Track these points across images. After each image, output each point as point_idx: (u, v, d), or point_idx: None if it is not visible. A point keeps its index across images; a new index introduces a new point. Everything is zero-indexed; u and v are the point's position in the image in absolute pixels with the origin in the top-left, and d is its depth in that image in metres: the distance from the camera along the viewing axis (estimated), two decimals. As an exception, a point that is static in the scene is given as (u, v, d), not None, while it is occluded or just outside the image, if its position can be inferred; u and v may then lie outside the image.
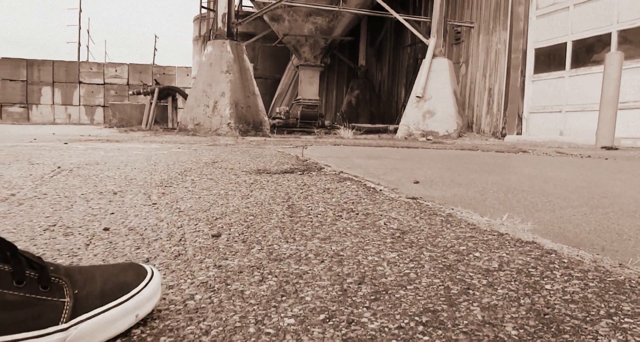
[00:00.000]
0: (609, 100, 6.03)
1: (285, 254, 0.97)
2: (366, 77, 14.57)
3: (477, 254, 0.98)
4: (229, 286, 0.78)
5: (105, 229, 1.16)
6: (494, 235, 1.14)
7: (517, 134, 9.19)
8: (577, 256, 1.01)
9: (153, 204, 1.48)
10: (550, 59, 9.03)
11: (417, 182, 2.04)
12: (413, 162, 3.19)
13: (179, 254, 0.96)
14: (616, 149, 5.94)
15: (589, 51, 8.36)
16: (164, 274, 0.84)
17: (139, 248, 1.00)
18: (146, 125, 12.81)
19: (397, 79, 13.85)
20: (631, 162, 3.90)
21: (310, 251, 0.99)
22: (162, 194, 1.65)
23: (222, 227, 1.19)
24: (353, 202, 1.53)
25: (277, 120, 11.52)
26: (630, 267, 0.94)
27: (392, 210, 1.42)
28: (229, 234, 1.12)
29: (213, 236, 1.10)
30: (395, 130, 9.69)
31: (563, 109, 8.60)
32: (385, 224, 1.24)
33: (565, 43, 8.62)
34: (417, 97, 8.91)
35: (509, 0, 9.31)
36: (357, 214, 1.36)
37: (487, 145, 6.26)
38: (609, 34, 7.85)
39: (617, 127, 6.21)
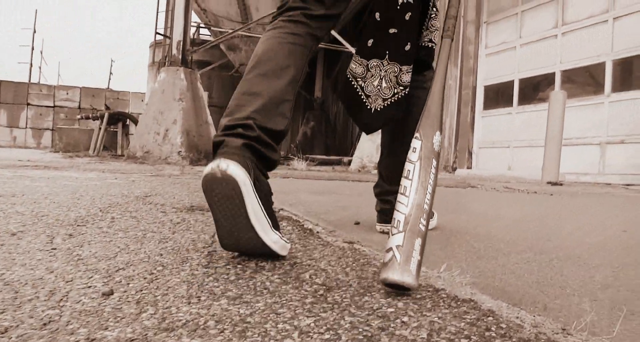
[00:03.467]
0: (553, 137, 6.21)
1: (181, 320, 0.81)
2: (322, 109, 14.64)
3: (405, 318, 0.86)
4: (91, 372, 0.62)
5: (-24, 285, 0.97)
6: (429, 292, 1.03)
7: (468, 168, 9.35)
8: (517, 317, 0.90)
9: (52, 249, 1.29)
10: (499, 95, 9.32)
11: (358, 223, 1.93)
12: (361, 198, 3.09)
13: (50, 322, 0.79)
14: (561, 184, 6.08)
15: (535, 89, 8.69)
16: (17, 353, 0.67)
17: (3, 312, 0.82)
18: (94, 151, 12.33)
19: (352, 110, 13.97)
20: (575, 199, 3.95)
21: (212, 316, 0.84)
22: (68, 236, 1.46)
23: (121, 281, 1.03)
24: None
25: (231, 149, 11.30)
26: (574, 334, 0.84)
27: (322, 259, 1.29)
28: (124, 291, 0.95)
29: (103, 294, 0.94)
30: (350, 163, 9.67)
31: (511, 144, 8.83)
32: (310, 277, 1.10)
33: (513, 81, 8.93)
34: (371, 129, 8.94)
35: (459, 39, 9.62)
36: (283, 264, 1.22)
37: (438, 179, 6.29)
38: (554, 73, 8.18)
39: (562, 162, 6.39)
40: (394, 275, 0.97)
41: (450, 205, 2.93)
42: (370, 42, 1.50)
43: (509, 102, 8.99)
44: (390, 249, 1.00)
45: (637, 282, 1.20)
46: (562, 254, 1.55)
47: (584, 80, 7.88)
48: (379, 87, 1.48)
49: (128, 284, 1.01)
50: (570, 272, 1.31)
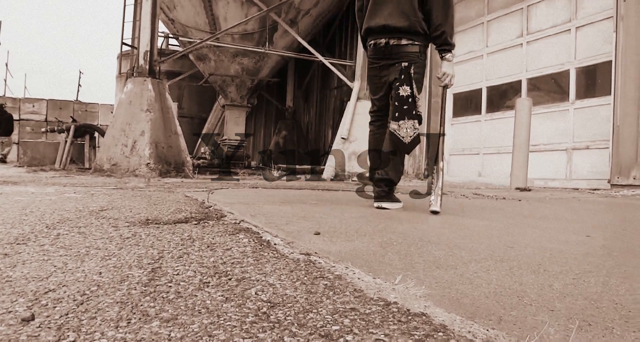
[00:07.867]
0: (520, 144, 6.28)
1: (102, 347, 0.74)
2: (294, 118, 14.60)
3: (349, 337, 0.80)
4: None
5: None
6: (380, 306, 0.98)
7: (439, 175, 9.39)
8: (469, 332, 0.85)
9: (-19, 270, 1.20)
10: (467, 103, 9.43)
11: (318, 234, 1.87)
12: (326, 207, 3.04)
13: (-49, 354, 0.71)
14: (529, 190, 6.15)
15: (502, 97, 8.82)
16: None
17: None
18: (60, 164, 11.99)
19: (324, 120, 13.98)
20: (543, 204, 3.98)
21: (139, 341, 0.77)
22: (3, 256, 1.36)
23: (47, 304, 0.94)
24: (233, 263, 1.33)
25: (201, 160, 11.16)
26: (527, 348, 0.79)
27: (273, 273, 1.22)
28: (47, 316, 0.87)
29: (23, 319, 0.85)
30: (322, 171, 9.63)
31: (481, 151, 8.93)
32: (256, 293, 1.04)
33: (481, 89, 9.05)
34: (342, 138, 8.95)
35: (428, 49, 9.69)
36: (230, 279, 1.15)
37: (408, 187, 6.28)
38: (520, 81, 8.32)
39: (530, 168, 6.47)
40: (435, 208, 2.82)
41: (416, 213, 2.90)
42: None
43: (477, 110, 9.11)
44: (431, 200, 2.86)
45: (596, 290, 1.17)
46: (523, 261, 1.52)
47: (550, 88, 8.03)
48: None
49: (54, 307, 0.93)
50: (529, 280, 1.27)
